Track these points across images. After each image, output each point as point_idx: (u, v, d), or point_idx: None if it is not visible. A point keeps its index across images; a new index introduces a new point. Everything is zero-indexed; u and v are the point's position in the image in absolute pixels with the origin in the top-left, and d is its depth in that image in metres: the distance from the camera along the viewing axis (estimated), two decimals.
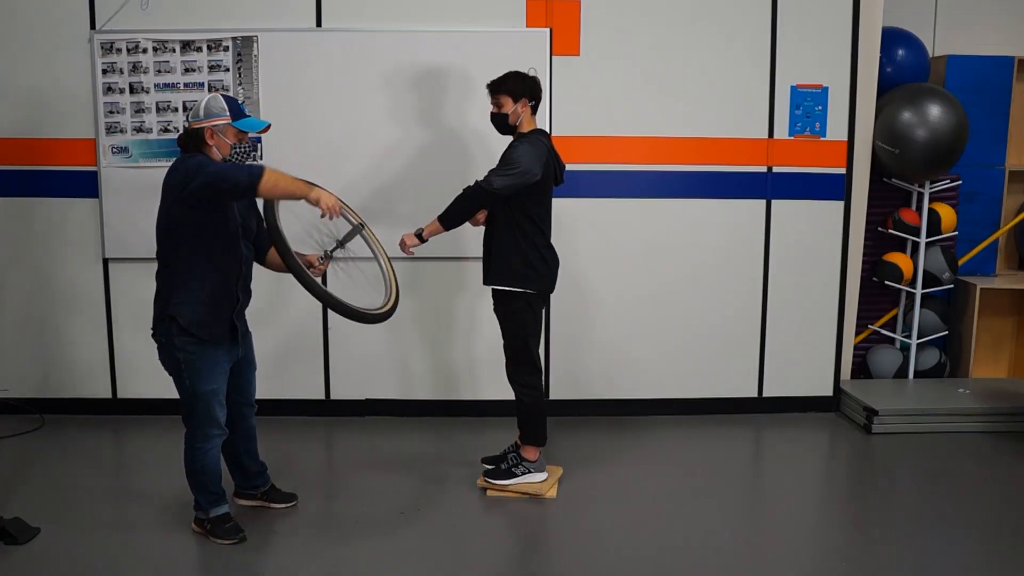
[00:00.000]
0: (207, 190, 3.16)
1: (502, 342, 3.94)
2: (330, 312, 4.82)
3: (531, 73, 3.93)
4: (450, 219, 3.78)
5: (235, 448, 3.68)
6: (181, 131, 3.42)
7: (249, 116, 3.40)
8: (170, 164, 3.32)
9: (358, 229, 3.67)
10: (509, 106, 3.77)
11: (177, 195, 3.20)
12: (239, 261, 3.39)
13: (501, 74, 3.82)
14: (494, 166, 3.81)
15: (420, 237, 3.83)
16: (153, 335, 3.37)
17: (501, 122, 3.82)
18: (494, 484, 3.95)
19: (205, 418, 3.37)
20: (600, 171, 4.78)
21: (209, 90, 4.61)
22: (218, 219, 3.28)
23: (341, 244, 3.64)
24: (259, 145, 4.65)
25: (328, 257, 3.62)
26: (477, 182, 3.71)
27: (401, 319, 4.87)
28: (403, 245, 3.85)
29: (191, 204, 3.20)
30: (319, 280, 3.56)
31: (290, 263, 3.38)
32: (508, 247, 3.79)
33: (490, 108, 3.85)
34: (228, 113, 3.30)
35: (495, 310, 3.92)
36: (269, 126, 3.45)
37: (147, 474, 4.16)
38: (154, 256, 3.33)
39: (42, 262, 4.80)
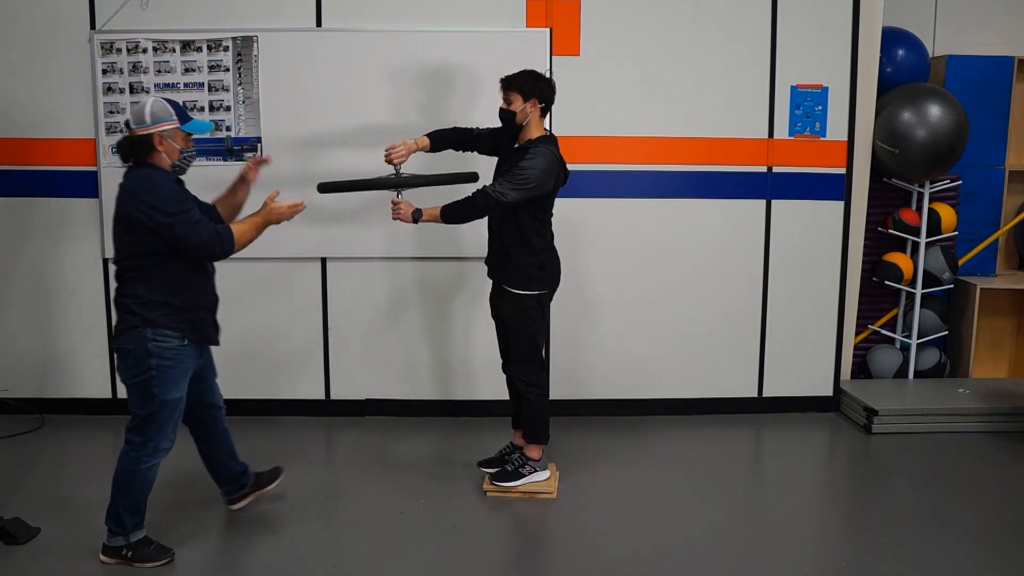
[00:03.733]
0: (175, 241, 3.13)
1: (508, 342, 3.93)
2: (330, 312, 4.85)
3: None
4: (452, 218, 3.73)
5: (216, 454, 3.60)
6: (121, 138, 3.25)
7: (193, 118, 3.29)
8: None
9: (398, 169, 3.75)
10: (518, 104, 3.72)
11: (146, 225, 3.10)
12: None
13: (516, 71, 3.76)
14: (497, 168, 3.80)
15: (415, 218, 3.71)
16: (119, 345, 3.22)
17: (509, 119, 3.77)
18: (503, 487, 3.94)
19: (162, 430, 3.25)
20: (600, 171, 4.78)
21: (209, 90, 4.61)
22: None
23: (397, 172, 3.73)
24: (259, 146, 4.65)
25: (397, 173, 3.72)
26: (487, 191, 3.64)
27: (402, 318, 4.88)
28: (396, 210, 3.70)
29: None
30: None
31: (376, 183, 3.66)
32: (520, 250, 3.78)
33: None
34: (175, 116, 3.19)
35: (503, 310, 3.90)
36: (214, 126, 3.41)
37: None
38: None
39: (42, 262, 4.80)
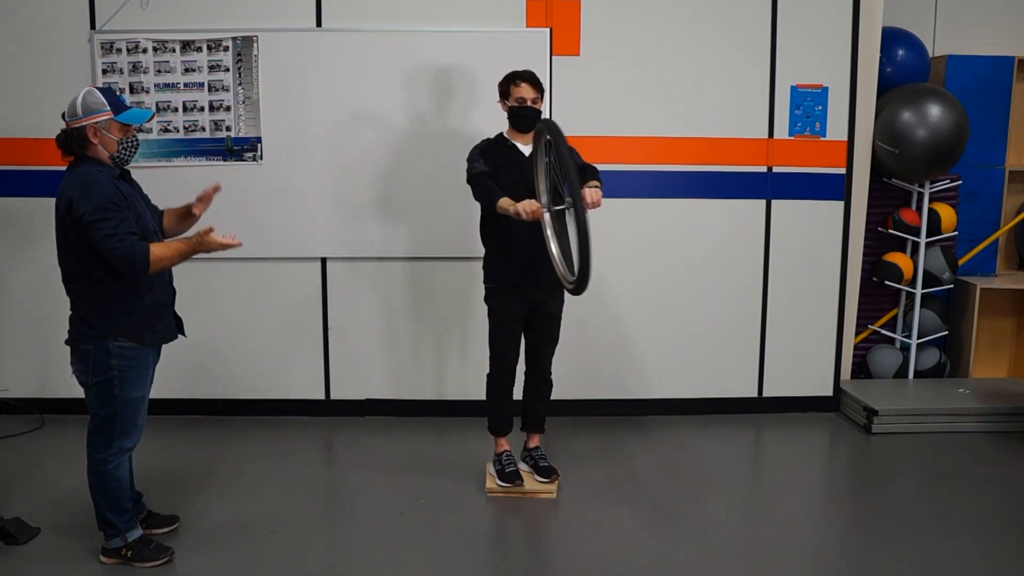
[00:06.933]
0: (93, 245, 3.00)
1: (552, 340, 3.99)
2: (330, 312, 4.85)
3: None
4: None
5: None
6: (58, 132, 3.09)
7: (131, 107, 3.15)
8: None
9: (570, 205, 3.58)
10: (540, 103, 3.78)
11: (70, 224, 3.00)
12: None
13: (522, 70, 3.78)
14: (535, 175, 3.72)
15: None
16: (76, 345, 3.14)
17: (536, 118, 3.73)
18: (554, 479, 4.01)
19: (125, 429, 3.19)
20: (600, 171, 4.76)
21: (209, 90, 4.61)
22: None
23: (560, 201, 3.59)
24: (259, 146, 4.65)
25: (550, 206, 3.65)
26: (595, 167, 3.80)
27: (401, 318, 4.88)
28: (591, 197, 3.59)
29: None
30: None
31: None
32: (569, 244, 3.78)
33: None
34: (108, 107, 3.05)
35: (558, 310, 3.95)
36: (154, 115, 3.21)
37: (144, 473, 4.15)
38: None
39: (42, 262, 4.78)
